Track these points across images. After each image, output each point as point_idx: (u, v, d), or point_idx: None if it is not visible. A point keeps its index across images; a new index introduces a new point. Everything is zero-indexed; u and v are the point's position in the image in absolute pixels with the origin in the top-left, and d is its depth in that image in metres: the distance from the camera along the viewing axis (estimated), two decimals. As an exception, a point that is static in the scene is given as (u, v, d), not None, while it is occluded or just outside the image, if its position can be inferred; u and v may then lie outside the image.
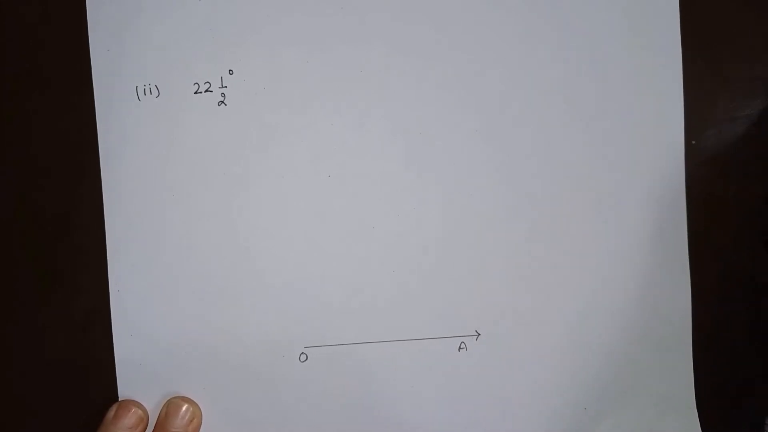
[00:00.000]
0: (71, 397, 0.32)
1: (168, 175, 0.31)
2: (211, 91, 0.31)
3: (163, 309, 0.31)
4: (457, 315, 0.31)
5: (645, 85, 0.30)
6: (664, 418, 0.30)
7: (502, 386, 0.31)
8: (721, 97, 0.31)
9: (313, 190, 0.31)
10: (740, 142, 0.31)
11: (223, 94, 0.31)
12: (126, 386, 0.31)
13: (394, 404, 0.31)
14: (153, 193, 0.31)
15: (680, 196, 0.30)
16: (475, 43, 0.30)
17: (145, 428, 0.30)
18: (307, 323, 0.31)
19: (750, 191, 0.31)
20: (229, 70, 0.31)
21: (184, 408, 0.30)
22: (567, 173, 0.30)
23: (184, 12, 0.31)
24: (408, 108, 0.31)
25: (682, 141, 0.30)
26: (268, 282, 0.31)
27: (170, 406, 0.30)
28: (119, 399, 0.31)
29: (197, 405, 0.31)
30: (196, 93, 0.31)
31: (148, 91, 0.31)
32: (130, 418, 0.30)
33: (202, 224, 0.31)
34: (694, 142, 0.30)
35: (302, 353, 0.31)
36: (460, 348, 0.31)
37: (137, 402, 0.31)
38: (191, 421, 0.30)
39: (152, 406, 0.31)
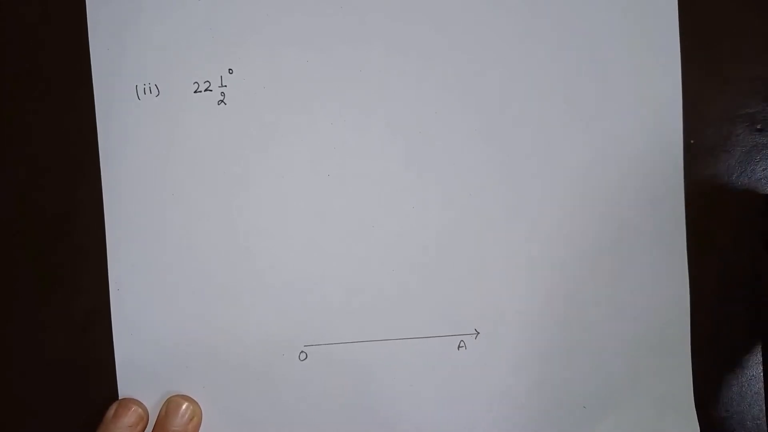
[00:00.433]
0: (71, 397, 0.32)
1: (168, 175, 0.31)
2: (211, 91, 0.31)
3: (163, 309, 0.31)
4: (457, 314, 0.31)
5: (644, 84, 0.30)
6: (664, 418, 0.30)
7: (502, 385, 0.31)
8: (721, 96, 0.31)
9: (313, 189, 0.31)
10: (739, 141, 0.31)
11: (222, 94, 0.31)
12: (126, 386, 0.31)
13: (394, 403, 0.31)
14: (153, 193, 0.31)
15: (679, 196, 0.30)
16: (475, 43, 0.30)
17: (145, 427, 0.30)
18: (307, 322, 0.31)
19: (750, 191, 0.31)
20: (229, 70, 0.31)
21: (184, 406, 0.30)
22: (567, 173, 0.30)
23: (184, 11, 0.31)
24: (408, 108, 0.31)
25: (681, 140, 0.30)
26: (268, 282, 0.31)
27: (170, 405, 0.30)
28: (119, 398, 0.31)
29: (197, 403, 0.31)
30: (195, 92, 0.31)
31: (147, 91, 0.31)
32: (130, 416, 0.30)
33: (202, 224, 0.31)
34: (693, 142, 0.30)
35: (302, 352, 0.31)
36: (459, 347, 0.31)
37: (137, 400, 0.31)
38: (191, 419, 0.30)
39: (152, 405, 0.31)
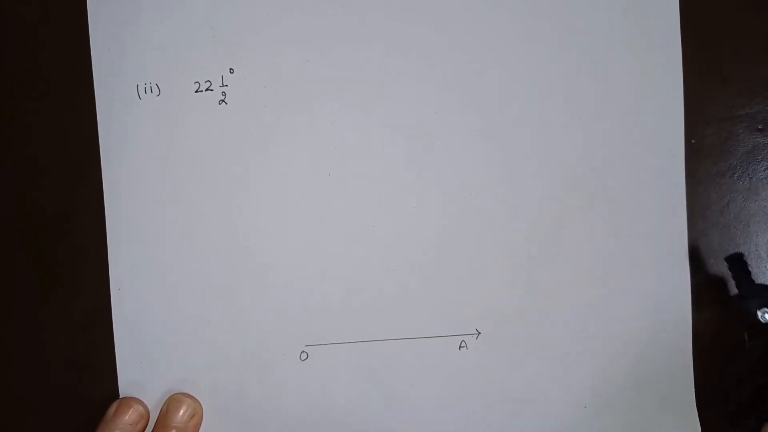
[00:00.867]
0: (71, 397, 0.32)
1: (168, 175, 0.31)
2: (212, 90, 0.31)
3: (163, 309, 0.31)
4: (458, 314, 0.31)
5: (645, 84, 0.30)
6: (665, 418, 0.30)
7: (503, 384, 0.31)
8: (721, 96, 0.31)
9: (313, 189, 0.31)
10: (740, 141, 0.31)
11: (223, 93, 0.31)
12: (127, 386, 0.31)
13: (394, 403, 0.31)
14: (153, 193, 0.31)
15: (680, 196, 0.30)
16: (475, 43, 0.30)
17: (146, 425, 0.31)
18: (307, 322, 0.31)
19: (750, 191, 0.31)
20: (230, 69, 0.31)
21: (185, 404, 0.30)
22: (567, 173, 0.30)
23: (184, 11, 0.31)
24: (408, 108, 0.31)
25: (682, 140, 0.30)
26: (268, 282, 0.31)
27: (171, 402, 0.30)
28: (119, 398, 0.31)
29: (198, 402, 0.31)
30: (196, 92, 0.31)
31: (148, 90, 0.31)
32: (131, 414, 0.30)
33: (202, 224, 0.31)
34: (693, 141, 0.30)
35: (303, 352, 0.31)
36: (460, 347, 0.31)
37: (138, 399, 0.31)
38: (192, 417, 0.30)
39: (153, 405, 0.31)
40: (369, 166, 0.31)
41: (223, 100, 0.31)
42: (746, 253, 0.31)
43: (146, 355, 0.31)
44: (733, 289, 0.30)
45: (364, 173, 0.31)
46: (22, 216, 0.32)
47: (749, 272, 0.30)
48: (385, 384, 0.31)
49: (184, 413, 0.30)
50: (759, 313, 0.28)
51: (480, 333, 0.31)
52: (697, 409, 0.30)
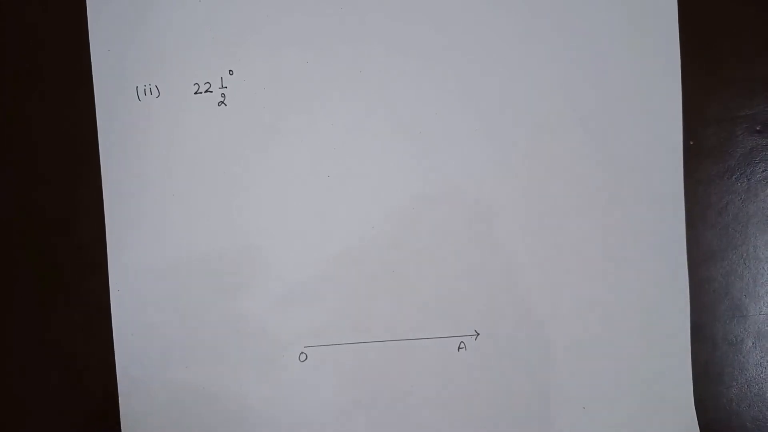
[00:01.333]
0: (71, 397, 0.32)
1: (168, 176, 0.31)
2: (211, 92, 0.31)
3: (163, 309, 0.31)
4: (457, 315, 0.31)
5: (644, 85, 0.30)
6: (664, 419, 0.31)
7: (502, 385, 0.31)
8: (720, 97, 0.31)
9: (313, 190, 0.31)
10: (739, 142, 0.31)
11: (223, 95, 0.31)
12: (126, 386, 0.31)
13: (394, 404, 0.31)
14: (153, 194, 0.31)
15: (679, 196, 0.30)
16: (475, 43, 0.30)
17: None
18: (307, 323, 0.31)
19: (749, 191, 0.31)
20: (229, 71, 0.31)
21: None
22: (566, 173, 0.30)
23: (184, 12, 0.31)
24: (408, 108, 0.31)
25: (680, 141, 0.30)
26: (268, 282, 0.31)
27: None
28: (119, 398, 0.31)
29: None
30: (196, 93, 0.31)
31: (148, 92, 0.31)
32: None
33: (202, 224, 0.31)
34: (692, 143, 0.30)
35: (302, 353, 0.31)
36: (459, 348, 0.31)
37: None
38: None
39: (153, 405, 0.31)
40: (369, 167, 0.31)
41: (222, 102, 0.31)
42: (745, 254, 0.31)
43: (145, 355, 0.31)
44: (733, 289, 0.30)
45: (364, 174, 0.31)
46: (22, 216, 0.32)
47: (748, 273, 0.30)
48: (384, 385, 0.31)
49: None
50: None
51: (479, 334, 0.31)
52: (696, 410, 0.30)
